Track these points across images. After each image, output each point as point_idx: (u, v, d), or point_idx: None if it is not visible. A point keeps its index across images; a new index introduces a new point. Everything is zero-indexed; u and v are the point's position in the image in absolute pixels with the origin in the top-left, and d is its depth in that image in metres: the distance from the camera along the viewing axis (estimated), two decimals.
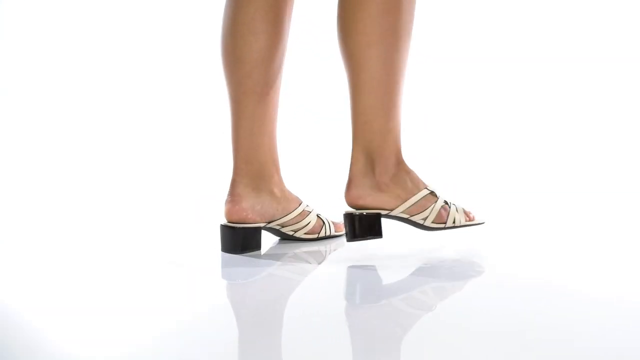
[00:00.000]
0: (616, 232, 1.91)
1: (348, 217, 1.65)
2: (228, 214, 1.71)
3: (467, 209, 1.70)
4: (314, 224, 1.80)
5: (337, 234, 1.84)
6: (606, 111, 2.87)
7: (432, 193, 1.66)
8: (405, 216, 1.65)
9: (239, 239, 1.70)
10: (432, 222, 1.65)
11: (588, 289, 1.52)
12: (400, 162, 1.66)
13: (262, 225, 1.72)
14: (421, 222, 1.65)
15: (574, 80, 2.98)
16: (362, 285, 1.55)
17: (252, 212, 1.70)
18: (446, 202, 1.67)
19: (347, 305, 1.47)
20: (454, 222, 1.65)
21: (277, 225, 1.75)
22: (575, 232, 1.91)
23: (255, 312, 1.43)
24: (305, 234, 1.79)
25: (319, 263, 1.66)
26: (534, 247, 1.78)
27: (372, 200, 1.65)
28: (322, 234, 1.81)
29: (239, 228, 1.70)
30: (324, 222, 1.81)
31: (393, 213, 1.65)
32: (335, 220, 1.84)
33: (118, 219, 2.11)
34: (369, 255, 1.70)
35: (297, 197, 1.78)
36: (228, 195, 1.71)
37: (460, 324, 1.33)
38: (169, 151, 2.82)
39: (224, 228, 1.72)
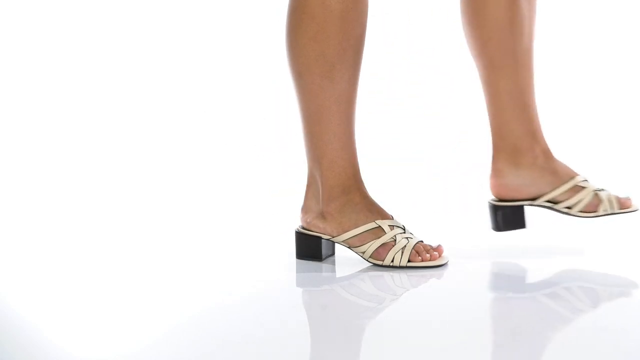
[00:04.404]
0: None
1: (295, 235, 1.68)
2: (491, 189, 1.73)
3: (427, 247, 1.62)
4: (588, 200, 1.71)
5: (622, 211, 1.72)
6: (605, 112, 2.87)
7: (379, 228, 1.62)
8: (347, 246, 1.63)
9: (498, 217, 1.73)
10: (370, 258, 1.62)
11: None
12: (351, 192, 1.63)
13: (524, 202, 1.71)
14: (361, 254, 1.63)
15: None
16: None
17: (509, 188, 1.71)
18: (394, 239, 1.61)
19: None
20: (392, 262, 1.60)
21: (546, 202, 1.71)
22: None
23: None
24: (580, 211, 1.72)
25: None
26: None
27: (314, 226, 1.65)
28: (600, 212, 1.71)
29: (499, 206, 1.71)
30: (601, 200, 1.71)
31: (334, 240, 1.64)
32: (620, 195, 1.74)
33: (120, 218, 2.11)
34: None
35: (571, 171, 1.73)
36: (490, 170, 1.73)
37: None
38: (173, 150, 2.81)
39: (490, 205, 1.73)
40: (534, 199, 1.70)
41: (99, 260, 1.76)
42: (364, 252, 1.62)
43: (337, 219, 1.63)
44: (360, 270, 1.61)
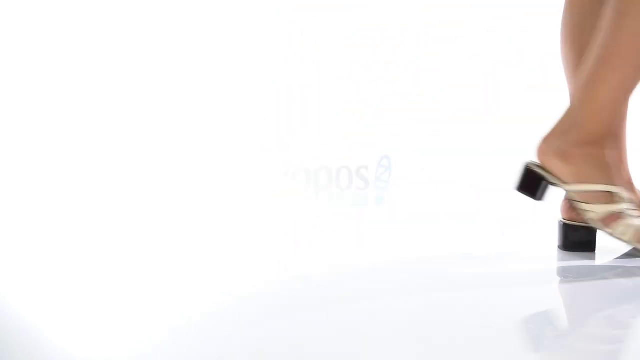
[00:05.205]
0: None
1: (523, 168, 1.59)
2: (564, 212, 1.67)
3: None
4: None
5: None
6: None
7: (616, 195, 1.53)
8: (573, 199, 1.54)
9: (570, 237, 1.67)
10: (599, 221, 1.53)
11: None
12: (605, 147, 1.54)
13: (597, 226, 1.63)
14: (585, 212, 1.54)
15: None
16: None
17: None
18: (623, 212, 1.53)
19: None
20: (623, 235, 1.52)
21: None
22: None
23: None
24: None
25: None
26: None
27: (550, 162, 1.56)
28: None
29: (573, 226, 1.65)
30: None
31: (565, 188, 1.55)
32: None
33: (120, 218, 2.11)
34: None
35: None
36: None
37: None
38: (173, 150, 2.81)
39: (563, 224, 1.67)
40: None
41: (99, 260, 1.76)
42: (592, 212, 1.54)
43: (578, 167, 1.55)
44: (364, 267, 1.61)
